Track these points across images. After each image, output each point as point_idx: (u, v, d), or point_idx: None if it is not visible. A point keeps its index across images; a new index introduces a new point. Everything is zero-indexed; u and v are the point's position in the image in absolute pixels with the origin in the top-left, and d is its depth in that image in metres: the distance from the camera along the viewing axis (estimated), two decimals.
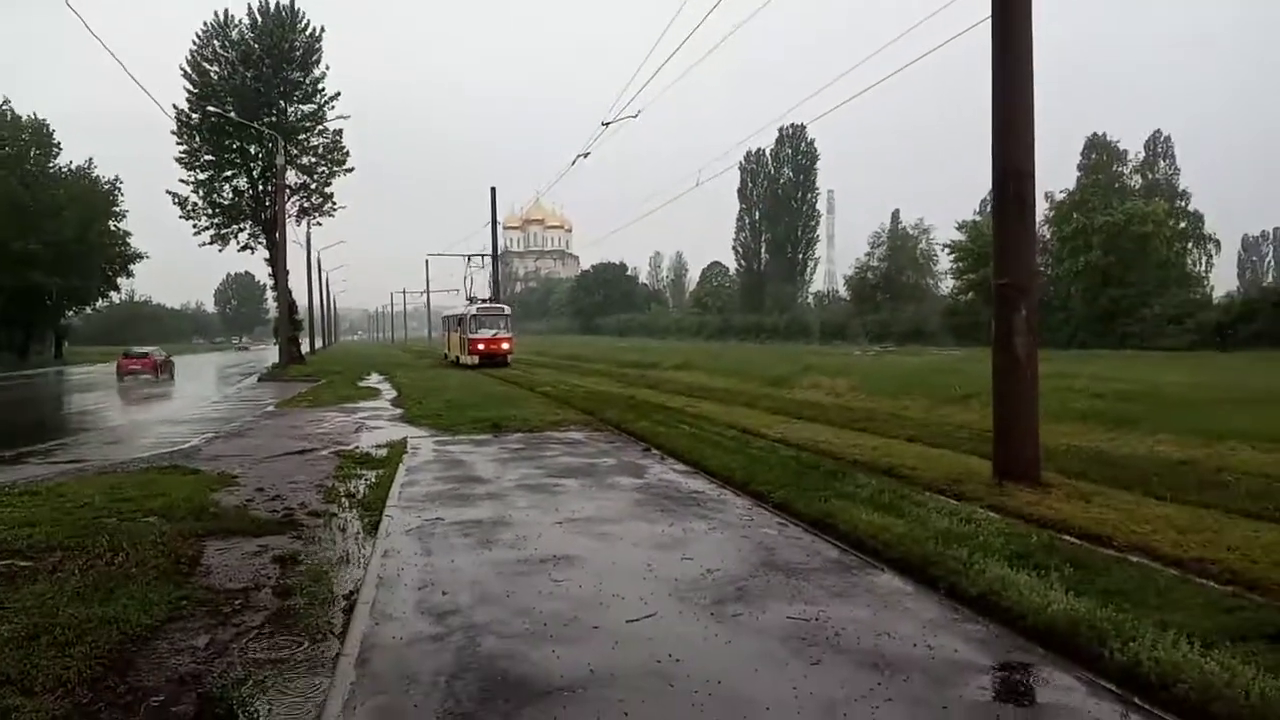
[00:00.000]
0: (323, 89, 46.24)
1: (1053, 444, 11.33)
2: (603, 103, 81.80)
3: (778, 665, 4.61)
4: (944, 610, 5.50)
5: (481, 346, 39.83)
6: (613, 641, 4.95)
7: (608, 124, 23.17)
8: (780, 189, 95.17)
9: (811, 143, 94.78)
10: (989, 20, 9.36)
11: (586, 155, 27.70)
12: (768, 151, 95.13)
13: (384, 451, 12.80)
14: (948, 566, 6.00)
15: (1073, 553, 6.36)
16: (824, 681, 4.38)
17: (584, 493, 9.47)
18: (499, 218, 50.44)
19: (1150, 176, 73.05)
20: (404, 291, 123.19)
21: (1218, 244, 62.18)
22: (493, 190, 47.84)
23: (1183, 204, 62.03)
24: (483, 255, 55.36)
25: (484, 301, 44.84)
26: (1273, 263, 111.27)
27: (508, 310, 42.89)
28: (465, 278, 60.47)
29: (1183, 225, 57.03)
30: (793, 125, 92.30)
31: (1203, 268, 59.01)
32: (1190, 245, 57.52)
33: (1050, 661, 4.64)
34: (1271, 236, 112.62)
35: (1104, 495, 8.70)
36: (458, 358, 43.09)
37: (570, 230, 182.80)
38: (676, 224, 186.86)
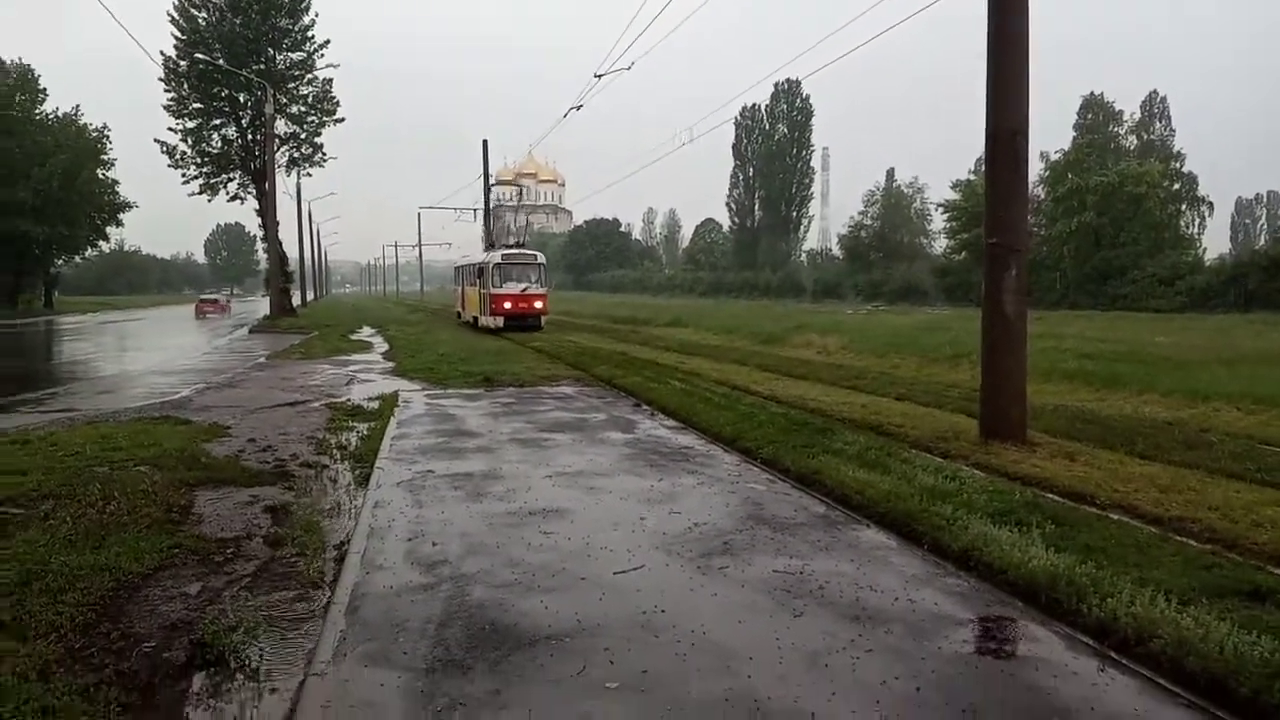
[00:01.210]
0: (312, 37, 45.43)
1: (1040, 403, 11.43)
2: (598, 54, 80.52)
3: (762, 616, 4.69)
4: (927, 565, 5.59)
5: (509, 305, 31.60)
6: (600, 593, 5.02)
7: (600, 76, 22.92)
8: (775, 145, 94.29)
9: (807, 99, 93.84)
10: None
11: (579, 108, 27.41)
12: (763, 107, 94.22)
13: (375, 404, 12.82)
14: (931, 523, 6.09)
15: (1055, 510, 6.44)
16: (807, 633, 4.46)
17: (574, 447, 9.52)
18: (491, 171, 49.63)
19: (1145, 137, 72.79)
20: (396, 245, 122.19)
21: (1211, 206, 62.09)
22: (484, 143, 47.22)
23: (1177, 165, 61.82)
24: (474, 209, 54.98)
25: (510, 247, 35.40)
26: (1265, 225, 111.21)
27: (541, 259, 33.94)
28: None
29: (1176, 187, 56.86)
30: (788, 80, 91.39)
31: (1196, 230, 58.95)
32: (1184, 207, 57.38)
33: (1029, 616, 4.73)
34: (1265, 199, 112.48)
35: (1088, 454, 8.80)
36: (475, 318, 35.03)
37: (563, 185, 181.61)
38: (670, 180, 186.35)
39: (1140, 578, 4.88)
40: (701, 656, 4.19)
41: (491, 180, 49.57)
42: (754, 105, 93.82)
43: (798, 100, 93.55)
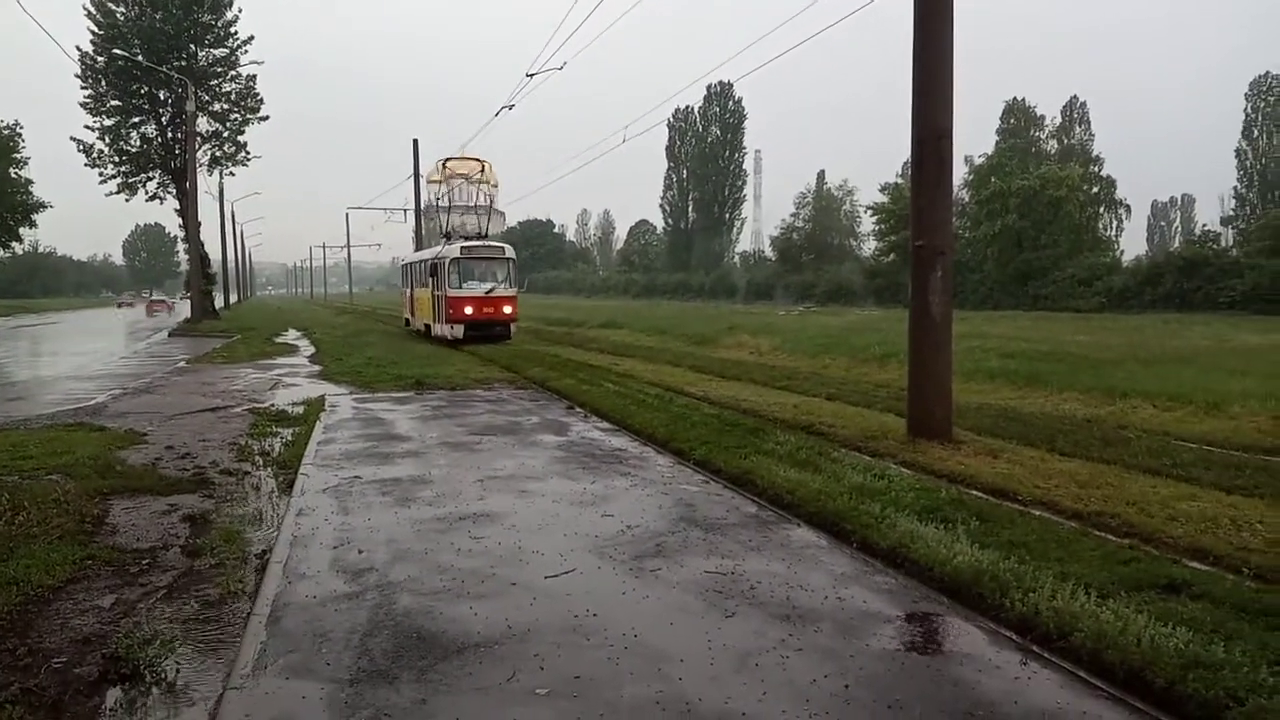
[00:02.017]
0: (235, 32, 44.34)
1: (965, 402, 11.66)
2: (531, 52, 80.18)
3: (694, 618, 4.68)
4: (856, 563, 5.64)
5: (470, 310, 25.69)
6: (531, 597, 4.96)
7: (532, 75, 22.71)
8: (708, 147, 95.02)
9: (739, 101, 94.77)
10: None
11: (511, 107, 27.03)
12: (696, 109, 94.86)
13: (301, 409, 12.53)
14: (860, 521, 6.15)
15: (979, 507, 6.56)
16: (738, 633, 4.46)
17: (506, 450, 9.42)
18: (421, 171, 48.98)
19: (1066, 141, 75.08)
20: (324, 246, 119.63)
21: (1128, 209, 64.49)
22: (415, 142, 46.32)
23: (1096, 169, 63.90)
24: (405, 209, 54.09)
25: (471, 238, 28.69)
26: (1179, 227, 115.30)
27: (510, 252, 27.56)
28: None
29: (1096, 190, 58.82)
30: (720, 83, 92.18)
31: (1114, 232, 61.17)
32: (1102, 210, 59.45)
33: (955, 611, 4.80)
34: (1179, 202, 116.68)
35: (1011, 451, 8.99)
36: (427, 326, 29.00)
37: (496, 186, 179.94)
38: (605, 181, 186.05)
39: (1061, 572, 4.99)
40: (633, 659, 4.16)
41: (422, 179, 48.85)
42: (687, 107, 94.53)
43: (730, 103, 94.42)
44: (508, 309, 25.95)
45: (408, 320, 34.39)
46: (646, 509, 6.95)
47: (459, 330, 25.38)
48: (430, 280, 27.58)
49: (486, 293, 25.70)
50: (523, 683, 3.92)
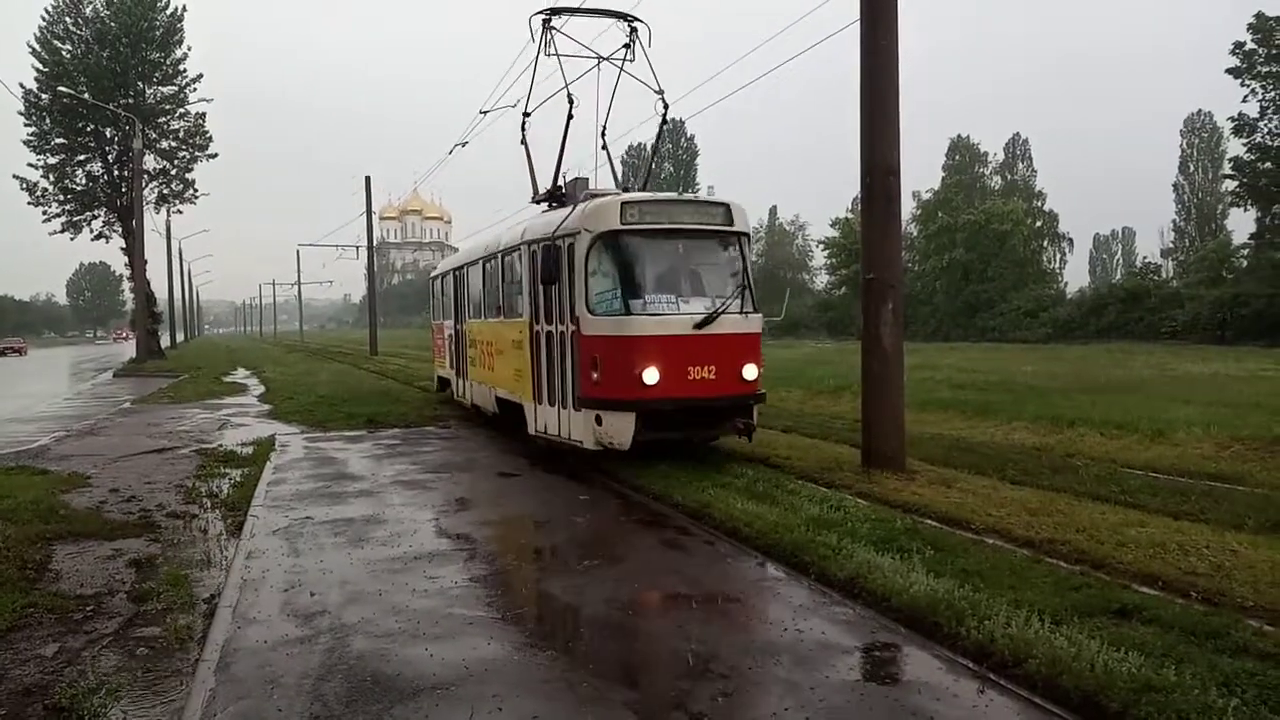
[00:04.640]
0: (184, 70, 43.95)
1: (917, 432, 11.78)
2: (485, 89, 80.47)
3: (657, 652, 4.65)
4: (814, 595, 5.65)
5: (652, 372, 9.50)
6: (488, 637, 4.90)
7: (486, 112, 22.73)
8: (662, 184, 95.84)
9: (692, 138, 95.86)
10: (859, 20, 9.63)
11: (465, 144, 27.10)
12: (648, 146, 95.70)
13: (250, 449, 12.30)
14: (818, 553, 6.17)
15: (934, 536, 6.62)
16: (699, 666, 4.44)
17: (463, 488, 9.33)
18: (375, 208, 48.74)
19: (1009, 177, 76.96)
20: (274, 283, 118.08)
21: (1071, 242, 66.25)
22: (367, 179, 46.14)
23: (1039, 204, 65.63)
24: (357, 246, 53.73)
25: (639, 194, 11.23)
26: (1120, 260, 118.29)
27: (739, 218, 10.56)
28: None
29: (1039, 224, 60.36)
30: (673, 120, 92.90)
31: (1057, 265, 62.72)
32: (1046, 243, 60.98)
33: (913, 641, 4.83)
34: (1120, 235, 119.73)
35: (964, 481, 9.09)
36: (506, 402, 12.60)
37: (450, 222, 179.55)
38: None
39: (1015, 599, 5.04)
40: (595, 696, 4.11)
41: (375, 216, 48.61)
42: (639, 144, 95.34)
43: (683, 139, 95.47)
44: (748, 368, 10.26)
45: (445, 382, 18.20)
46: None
47: (622, 425, 9.69)
48: (519, 299, 11.93)
49: (698, 325, 9.89)
50: None
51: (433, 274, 20.04)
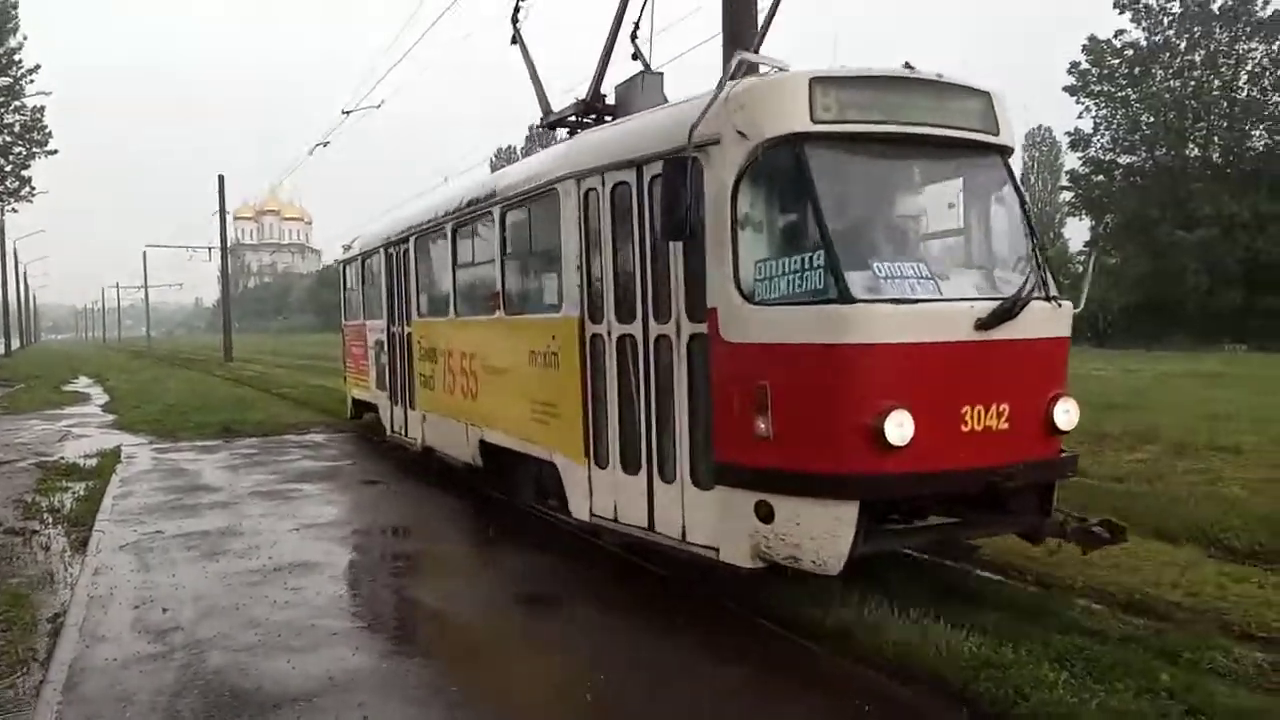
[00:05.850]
0: (19, 60, 41.13)
1: None
2: (350, 90, 78.18)
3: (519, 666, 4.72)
4: None
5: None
6: (353, 647, 4.86)
7: (349, 113, 22.23)
8: None
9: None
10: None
11: (326, 144, 26.38)
12: (518, 149, 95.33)
13: (94, 461, 11.64)
14: None
15: None
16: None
17: (325, 497, 9.16)
18: (229, 208, 46.75)
19: None
20: (118, 286, 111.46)
21: None
22: (220, 178, 43.99)
23: None
24: (209, 247, 51.39)
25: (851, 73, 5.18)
26: None
27: (1001, 128, 5.50)
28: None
29: None
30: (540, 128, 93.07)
31: None
32: None
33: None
34: None
35: None
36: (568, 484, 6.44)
37: (311, 223, 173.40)
38: None
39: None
40: (468, 706, 4.17)
41: (230, 216, 46.60)
42: (509, 145, 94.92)
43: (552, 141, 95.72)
44: (1061, 406, 5.11)
45: (366, 406, 13.38)
46: None
47: (827, 525, 4.64)
48: (547, 280, 7.02)
49: (983, 324, 4.76)
50: None
51: (344, 255, 14.43)
